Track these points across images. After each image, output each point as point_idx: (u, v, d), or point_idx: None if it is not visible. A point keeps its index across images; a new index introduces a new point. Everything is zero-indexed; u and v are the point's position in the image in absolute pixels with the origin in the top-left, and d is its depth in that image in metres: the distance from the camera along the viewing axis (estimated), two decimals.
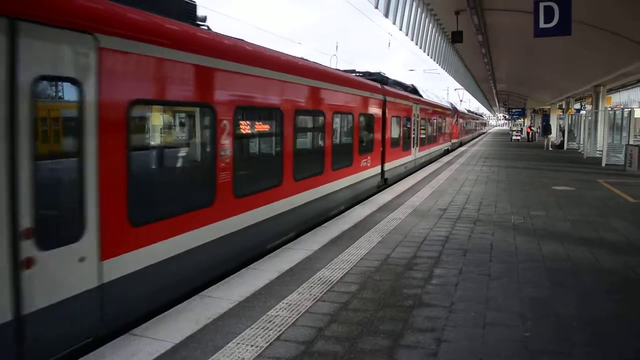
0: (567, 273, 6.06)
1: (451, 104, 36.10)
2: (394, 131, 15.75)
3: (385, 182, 14.45)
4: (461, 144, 39.06)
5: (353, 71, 14.92)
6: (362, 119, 12.22)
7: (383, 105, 13.93)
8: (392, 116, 14.98)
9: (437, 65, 31.28)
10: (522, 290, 5.40)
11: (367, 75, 14.89)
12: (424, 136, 21.29)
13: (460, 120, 39.30)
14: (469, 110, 62.61)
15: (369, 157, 12.73)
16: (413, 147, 18.97)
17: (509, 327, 4.46)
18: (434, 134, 24.58)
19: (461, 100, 78.17)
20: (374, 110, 13.13)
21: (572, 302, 5.08)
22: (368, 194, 12.69)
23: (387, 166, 14.68)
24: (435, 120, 24.60)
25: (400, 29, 19.69)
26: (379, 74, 15.47)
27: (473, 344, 4.12)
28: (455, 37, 18.57)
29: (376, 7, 16.93)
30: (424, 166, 20.66)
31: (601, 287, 5.54)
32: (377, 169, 13.65)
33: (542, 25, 10.88)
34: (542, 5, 10.86)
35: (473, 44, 23.90)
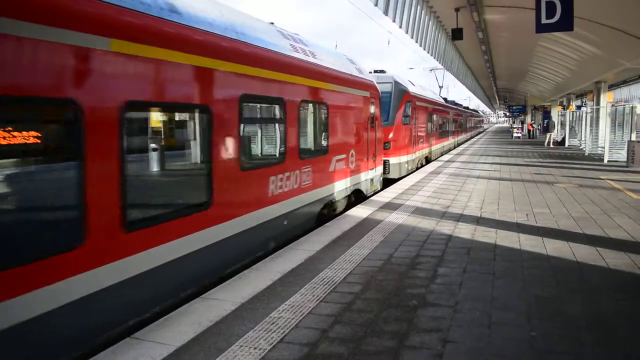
0: (572, 271, 5.99)
1: (395, 81, 17.90)
2: None
3: None
4: (425, 162, 22.28)
5: None
6: None
7: None
8: None
9: (438, 63, 31.18)
10: (527, 289, 5.34)
11: None
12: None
13: (422, 117, 21.48)
14: (448, 100, 36.75)
15: None
16: None
17: (515, 326, 4.40)
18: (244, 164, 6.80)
19: (440, 87, 53.76)
20: None
21: (578, 300, 5.02)
22: None
23: None
24: (274, 117, 7.91)
25: (400, 27, 19.57)
26: None
27: (479, 344, 4.06)
28: (455, 35, 18.51)
29: (375, 5, 16.83)
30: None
31: (607, 285, 5.48)
32: None
33: (544, 21, 10.83)
34: (544, 0, 10.80)
35: (473, 41, 23.82)
